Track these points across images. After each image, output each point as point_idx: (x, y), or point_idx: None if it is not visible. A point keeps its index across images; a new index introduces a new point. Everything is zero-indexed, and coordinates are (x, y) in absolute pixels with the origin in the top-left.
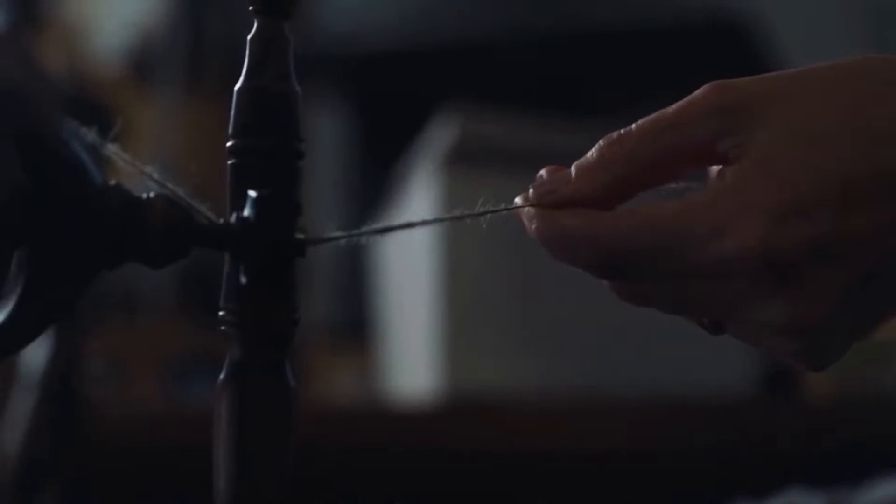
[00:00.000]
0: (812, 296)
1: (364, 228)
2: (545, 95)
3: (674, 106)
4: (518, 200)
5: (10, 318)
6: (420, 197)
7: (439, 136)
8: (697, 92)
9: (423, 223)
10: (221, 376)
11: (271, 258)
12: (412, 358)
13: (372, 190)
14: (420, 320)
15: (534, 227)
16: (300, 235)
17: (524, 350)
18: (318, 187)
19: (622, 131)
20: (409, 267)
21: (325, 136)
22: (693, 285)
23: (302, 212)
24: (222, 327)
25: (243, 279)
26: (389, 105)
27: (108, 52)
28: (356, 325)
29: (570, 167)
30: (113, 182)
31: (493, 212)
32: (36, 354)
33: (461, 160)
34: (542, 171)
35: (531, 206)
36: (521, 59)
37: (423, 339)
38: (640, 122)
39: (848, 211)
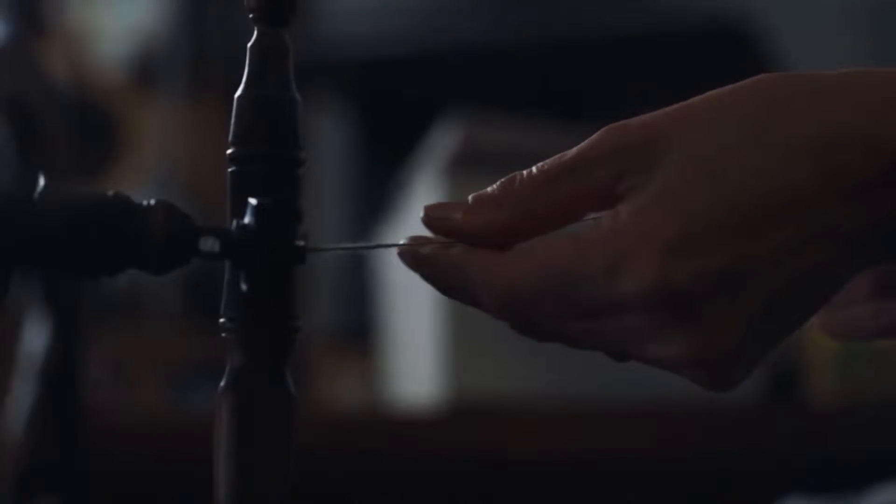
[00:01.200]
0: (713, 328)
1: (361, 243)
2: (548, 100)
3: (573, 150)
4: (404, 241)
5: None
6: (423, 203)
7: (442, 142)
8: (595, 135)
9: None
10: (222, 383)
11: (272, 266)
12: (416, 363)
13: (375, 196)
14: (424, 326)
15: (425, 269)
16: (300, 243)
17: (528, 355)
18: (321, 193)
19: (524, 172)
20: (412, 272)
21: (328, 141)
22: (592, 324)
23: (302, 219)
24: (223, 334)
25: (244, 286)
26: (392, 110)
27: (111, 58)
28: (360, 330)
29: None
30: (112, 191)
31: (390, 246)
32: (38, 359)
33: (464, 166)
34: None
35: (421, 243)
36: (525, 64)
37: (426, 344)
38: (541, 164)
39: (746, 239)
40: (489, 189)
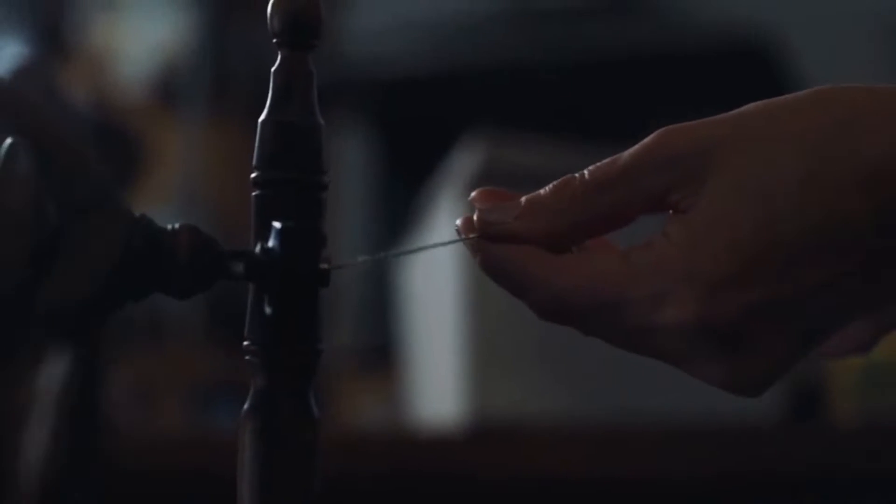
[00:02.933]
0: (750, 356)
1: (381, 253)
2: (570, 120)
3: (625, 155)
4: (459, 223)
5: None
6: (445, 222)
7: (464, 162)
8: (647, 140)
9: (409, 251)
10: (246, 406)
11: (296, 289)
12: (438, 383)
13: (397, 216)
14: (446, 345)
15: (478, 259)
16: (324, 266)
17: (551, 375)
18: (344, 213)
19: (577, 176)
20: (434, 292)
21: (350, 162)
22: (636, 338)
23: (326, 243)
24: (247, 357)
25: (268, 310)
26: (414, 130)
27: (132, 78)
28: (382, 350)
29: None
30: (139, 213)
31: (442, 245)
32: (58, 380)
33: (486, 186)
34: (475, 193)
35: (477, 237)
36: (546, 84)
37: (449, 364)
38: (593, 168)
39: (789, 272)
40: (542, 193)
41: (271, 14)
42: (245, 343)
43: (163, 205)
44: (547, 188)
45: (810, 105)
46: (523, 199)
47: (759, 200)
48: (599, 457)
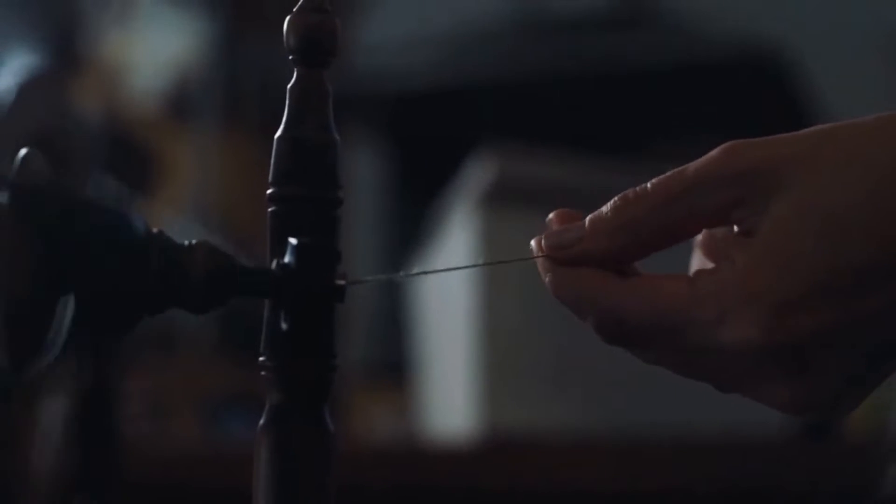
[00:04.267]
0: (812, 379)
1: (401, 272)
2: (582, 134)
3: (690, 168)
4: (533, 244)
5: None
6: (458, 236)
7: (476, 176)
8: (713, 154)
9: (446, 269)
10: (261, 421)
11: (311, 305)
12: (450, 397)
13: (410, 229)
14: (458, 360)
15: (547, 279)
16: (340, 282)
17: (561, 389)
18: (356, 227)
19: (638, 190)
20: (446, 307)
21: (363, 175)
22: (696, 361)
23: (341, 259)
24: (262, 373)
25: (283, 326)
26: (426, 145)
27: (145, 92)
28: (394, 364)
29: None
30: (155, 230)
31: (506, 262)
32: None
33: (498, 200)
34: (552, 216)
35: (545, 256)
36: (557, 98)
37: (460, 378)
38: (655, 182)
39: (856, 298)
40: (604, 211)
41: (287, 32)
42: (260, 359)
43: (175, 218)
44: (609, 205)
45: (876, 129)
46: (587, 219)
47: (824, 223)
48: (611, 471)
